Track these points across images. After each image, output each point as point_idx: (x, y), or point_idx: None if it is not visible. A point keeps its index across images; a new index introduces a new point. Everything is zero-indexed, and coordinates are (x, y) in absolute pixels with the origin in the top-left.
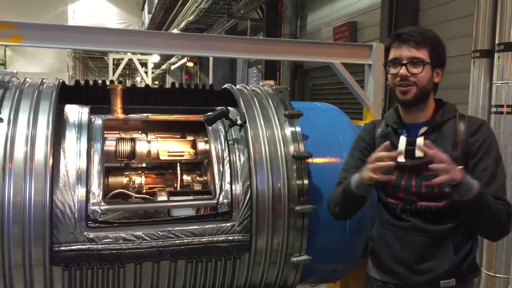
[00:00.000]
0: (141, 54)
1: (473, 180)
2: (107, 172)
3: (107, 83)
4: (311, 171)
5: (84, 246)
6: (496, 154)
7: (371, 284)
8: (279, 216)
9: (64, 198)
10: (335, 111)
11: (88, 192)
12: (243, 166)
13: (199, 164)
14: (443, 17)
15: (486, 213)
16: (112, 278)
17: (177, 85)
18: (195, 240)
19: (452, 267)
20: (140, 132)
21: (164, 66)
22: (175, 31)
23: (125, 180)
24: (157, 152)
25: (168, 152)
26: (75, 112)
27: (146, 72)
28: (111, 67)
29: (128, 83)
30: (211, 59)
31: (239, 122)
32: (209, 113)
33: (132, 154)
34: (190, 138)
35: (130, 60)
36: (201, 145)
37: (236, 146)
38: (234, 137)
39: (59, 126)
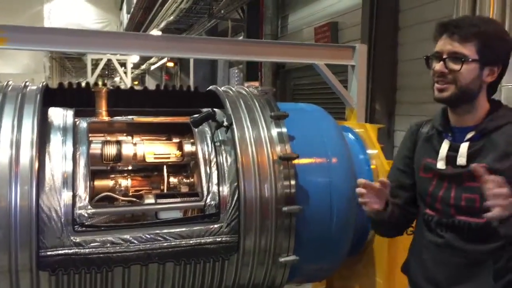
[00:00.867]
0: (122, 55)
1: None
2: (93, 175)
3: (91, 85)
4: (297, 171)
5: (71, 251)
6: None
7: None
8: (266, 217)
9: (50, 202)
10: (320, 112)
11: (74, 196)
12: (230, 168)
13: (185, 166)
14: (423, 18)
15: None
16: (100, 282)
17: (161, 87)
18: (183, 242)
19: None
20: (125, 134)
21: (143, 66)
22: (155, 31)
23: (111, 183)
24: (143, 154)
25: (154, 154)
26: (60, 115)
27: (125, 73)
28: (89, 67)
29: (107, 83)
30: (191, 60)
31: (225, 123)
32: (195, 115)
33: (118, 157)
34: (176, 140)
35: (109, 60)
36: (188, 147)
37: (222, 147)
38: (220, 138)
39: (44, 129)
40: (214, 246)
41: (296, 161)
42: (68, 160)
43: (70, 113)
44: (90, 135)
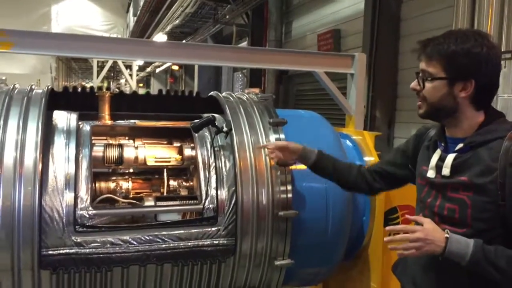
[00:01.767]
0: (128, 61)
1: (466, 243)
2: (95, 177)
3: (95, 89)
4: (294, 177)
5: (72, 250)
6: None
7: None
8: (263, 221)
9: (53, 203)
10: (318, 118)
11: (76, 197)
12: (228, 172)
13: (185, 169)
14: (424, 27)
15: (493, 274)
16: (99, 281)
17: (164, 92)
18: (181, 244)
19: None
20: (127, 138)
21: (149, 69)
22: (160, 34)
23: (112, 185)
24: (144, 158)
25: (155, 158)
26: (64, 119)
27: (130, 75)
28: (95, 69)
29: (113, 85)
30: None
31: (225, 129)
32: (196, 120)
33: (120, 159)
34: (176, 144)
35: (115, 62)
36: (188, 151)
37: (222, 152)
38: (220, 143)
39: (48, 132)
40: (211, 249)
41: (293, 167)
42: (71, 162)
43: (73, 116)
44: (93, 138)
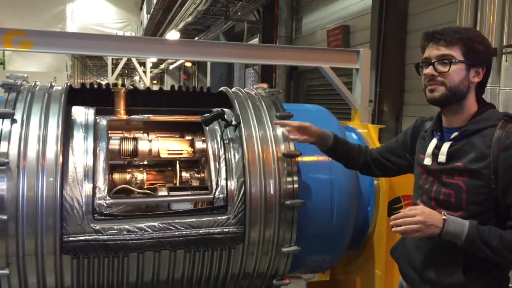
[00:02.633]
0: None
1: (462, 224)
2: (111, 169)
3: (111, 86)
4: (300, 168)
5: (91, 237)
6: None
7: None
8: (270, 210)
9: (73, 193)
10: (324, 112)
11: (94, 187)
12: (237, 164)
13: (196, 161)
14: (431, 22)
15: (485, 250)
16: (117, 266)
17: (176, 88)
18: (193, 231)
19: (457, 284)
20: (141, 132)
21: (162, 66)
22: (173, 31)
23: (128, 176)
24: (158, 150)
25: (168, 150)
26: (82, 114)
27: (144, 72)
28: (110, 66)
29: (127, 82)
30: None
31: (234, 122)
32: (206, 115)
33: (135, 152)
34: (188, 137)
35: (129, 60)
36: (199, 144)
37: (231, 145)
38: (229, 136)
39: (67, 126)
40: (221, 236)
41: (299, 159)
42: (89, 154)
43: (91, 111)
44: (109, 132)
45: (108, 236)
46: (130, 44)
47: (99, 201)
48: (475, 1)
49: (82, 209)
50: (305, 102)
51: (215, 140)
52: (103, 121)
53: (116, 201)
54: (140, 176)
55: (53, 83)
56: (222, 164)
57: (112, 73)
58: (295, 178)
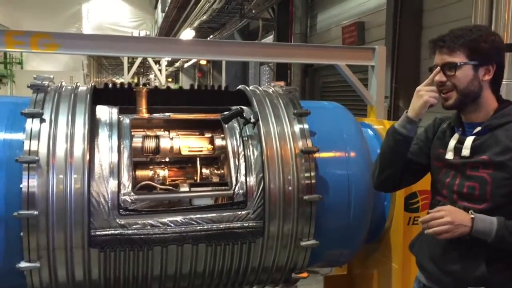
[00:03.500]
0: (161, 58)
1: (491, 222)
2: (135, 166)
3: (132, 85)
4: (318, 164)
5: (117, 231)
6: None
7: (417, 285)
8: (289, 205)
9: (99, 189)
10: (340, 109)
11: (119, 183)
12: (256, 160)
13: (216, 158)
14: (446, 18)
15: None
16: (141, 259)
17: (195, 86)
18: (214, 226)
19: (480, 277)
20: (163, 130)
21: (177, 64)
22: (188, 30)
23: (150, 173)
24: (179, 148)
25: (189, 148)
26: (106, 113)
27: (160, 70)
28: (126, 65)
29: (142, 80)
30: None
31: (252, 120)
32: (225, 112)
33: (157, 149)
34: (208, 135)
35: (145, 58)
36: (218, 141)
37: (250, 142)
38: (248, 133)
39: (93, 125)
40: (241, 231)
41: (316, 155)
42: (114, 152)
43: (115, 110)
44: (132, 130)
45: (133, 231)
46: (151, 45)
47: (124, 197)
48: None
49: (108, 205)
50: (320, 98)
51: (234, 137)
52: (126, 120)
53: (140, 197)
54: (162, 172)
55: (78, 84)
56: (242, 161)
57: (128, 71)
58: (313, 174)
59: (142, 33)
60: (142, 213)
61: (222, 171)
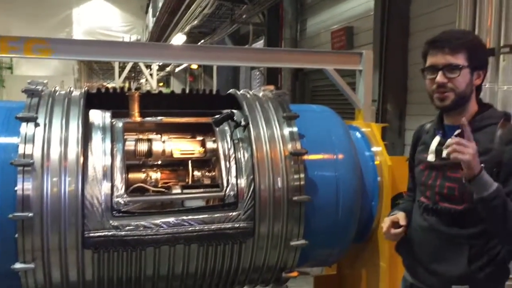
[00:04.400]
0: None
1: (492, 181)
2: (127, 168)
3: (124, 90)
4: (306, 166)
5: (110, 233)
6: None
7: (403, 284)
8: (279, 206)
9: (93, 191)
10: (328, 112)
11: (112, 186)
12: (247, 162)
13: (208, 161)
14: (432, 24)
15: (502, 214)
16: (134, 260)
17: (186, 90)
18: (206, 227)
19: (464, 274)
20: (155, 133)
21: (168, 68)
22: (179, 34)
23: (143, 175)
24: (171, 151)
25: (181, 150)
26: (99, 117)
27: (151, 75)
28: (117, 70)
29: (133, 85)
30: None
31: (243, 123)
32: (216, 116)
33: (149, 153)
34: (199, 138)
35: (136, 63)
36: (210, 144)
37: (240, 144)
38: (238, 136)
39: (86, 129)
40: (232, 231)
41: (305, 157)
42: (107, 155)
43: (107, 114)
44: (125, 133)
45: (126, 232)
46: (145, 50)
47: (117, 199)
48: (474, 3)
49: (101, 207)
50: (310, 102)
51: (225, 140)
52: (119, 124)
53: (133, 199)
54: (155, 175)
55: (72, 89)
56: (232, 163)
57: (119, 76)
58: (302, 175)
59: (133, 38)
60: (135, 214)
61: (214, 173)
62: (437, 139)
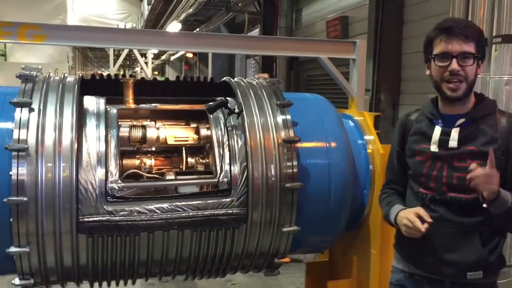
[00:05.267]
0: (147, 50)
1: (507, 193)
2: (122, 155)
3: (119, 76)
4: (299, 153)
5: (104, 218)
6: None
7: (396, 275)
8: (271, 192)
9: (87, 177)
10: (322, 101)
11: (106, 172)
12: (240, 149)
13: (201, 148)
14: (426, 13)
15: None
16: (128, 245)
17: (181, 78)
18: (199, 213)
19: (479, 260)
20: (149, 120)
21: (163, 57)
22: (175, 23)
23: (137, 162)
24: (165, 137)
25: (175, 137)
26: (93, 103)
27: (146, 63)
28: (111, 58)
29: (128, 73)
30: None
31: (236, 110)
32: (210, 103)
33: (143, 139)
34: (193, 125)
35: (131, 51)
36: (204, 131)
37: (234, 132)
38: (232, 124)
39: (81, 115)
40: (225, 217)
41: (298, 144)
42: (102, 141)
43: (102, 101)
44: (119, 120)
45: (120, 217)
46: (139, 36)
47: (111, 185)
48: None
49: (96, 192)
50: (305, 91)
51: (219, 128)
52: (113, 110)
53: (127, 185)
54: (149, 161)
55: (66, 74)
56: (226, 150)
57: (114, 64)
58: (295, 163)
59: (128, 26)
60: (129, 200)
61: (207, 160)
62: (438, 129)
